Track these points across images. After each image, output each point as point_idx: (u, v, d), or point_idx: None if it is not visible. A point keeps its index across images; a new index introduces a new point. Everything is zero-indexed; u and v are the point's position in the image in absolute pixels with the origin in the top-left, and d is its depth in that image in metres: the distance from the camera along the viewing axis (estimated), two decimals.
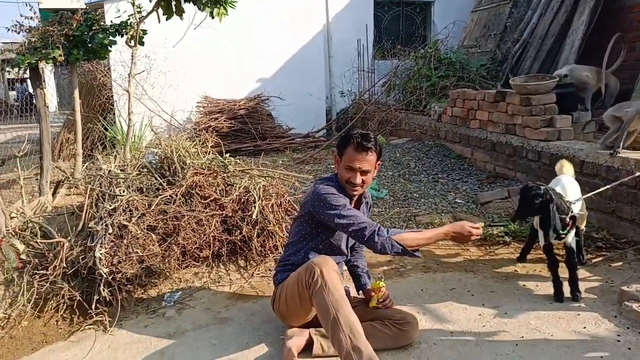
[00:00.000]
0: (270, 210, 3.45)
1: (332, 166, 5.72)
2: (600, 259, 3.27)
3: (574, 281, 2.76)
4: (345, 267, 2.65)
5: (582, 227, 3.18)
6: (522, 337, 2.41)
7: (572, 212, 2.69)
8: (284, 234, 3.42)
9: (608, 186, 3.20)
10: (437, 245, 3.61)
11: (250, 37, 8.01)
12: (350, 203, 2.37)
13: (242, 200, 3.49)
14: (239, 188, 3.51)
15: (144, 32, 5.18)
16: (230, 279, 3.21)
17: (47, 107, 4.97)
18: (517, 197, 2.76)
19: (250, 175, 3.78)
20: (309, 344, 2.31)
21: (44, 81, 5.06)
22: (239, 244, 3.38)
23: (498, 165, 4.98)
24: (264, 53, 8.14)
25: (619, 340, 2.34)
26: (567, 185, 2.91)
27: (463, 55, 7.05)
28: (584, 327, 2.47)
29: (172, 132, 7.29)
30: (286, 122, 7.78)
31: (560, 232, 2.67)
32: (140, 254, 2.98)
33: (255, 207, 3.37)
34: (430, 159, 5.58)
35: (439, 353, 2.31)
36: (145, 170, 3.84)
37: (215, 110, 7.51)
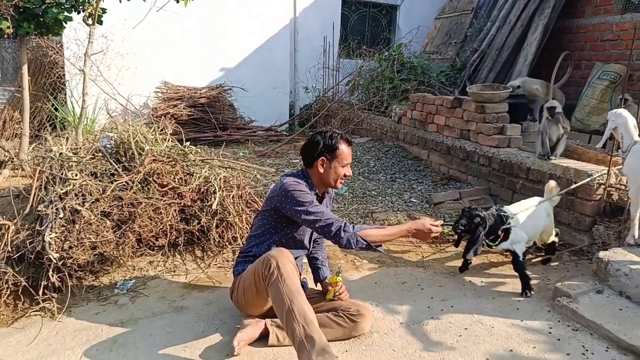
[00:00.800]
0: (230, 201, 3.46)
1: (294, 160, 5.75)
2: (539, 259, 3.49)
3: (523, 282, 2.97)
4: (305, 260, 2.71)
5: (554, 238, 3.39)
6: (466, 328, 2.56)
7: (508, 224, 2.93)
8: (243, 226, 3.44)
9: (557, 194, 3.43)
10: (392, 242, 3.73)
11: (215, 25, 7.90)
12: (318, 198, 2.46)
13: (202, 190, 3.48)
14: (199, 178, 3.50)
15: (103, 10, 5.02)
16: (187, 269, 3.20)
17: None
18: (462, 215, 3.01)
19: (210, 166, 3.76)
20: (265, 334, 2.36)
21: None
22: (197, 234, 3.37)
23: (452, 168, 5.18)
24: (229, 42, 8.06)
25: (550, 332, 2.53)
26: (520, 204, 3.16)
27: (425, 60, 7.25)
28: (521, 320, 2.65)
29: (128, 116, 7.10)
30: (248, 114, 7.74)
31: (491, 244, 2.97)
32: (93, 240, 2.93)
33: (215, 197, 3.37)
34: (389, 159, 5.72)
35: (388, 342, 2.42)
36: (100, 154, 3.74)
37: (174, 97, 7.36)
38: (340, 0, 9.22)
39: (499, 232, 2.95)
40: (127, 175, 3.33)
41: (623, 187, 3.51)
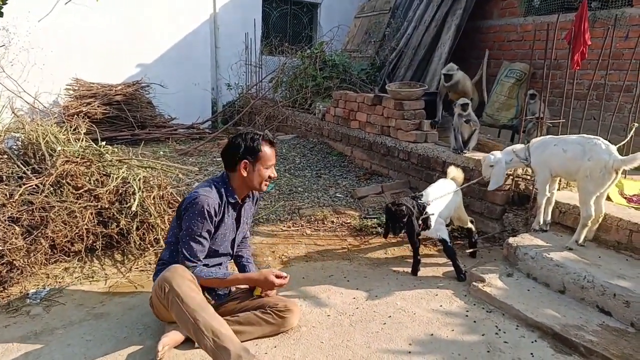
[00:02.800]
0: (151, 202, 3.35)
1: (217, 159, 5.65)
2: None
3: (456, 267, 3.15)
4: (230, 260, 2.68)
5: (468, 225, 3.55)
6: (390, 316, 2.68)
7: (425, 214, 3.09)
8: (165, 227, 3.34)
9: (468, 184, 3.67)
10: (319, 236, 3.81)
11: (130, 19, 7.55)
12: (238, 206, 2.46)
13: (120, 191, 3.34)
14: (117, 179, 3.35)
15: (3, 1, 4.63)
16: (106, 274, 3.05)
17: None
18: (385, 215, 3.13)
19: (129, 166, 3.61)
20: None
21: None
22: (116, 237, 3.23)
23: (374, 164, 5.37)
24: (145, 37, 7.73)
25: (467, 315, 2.72)
26: (433, 189, 3.31)
27: (346, 58, 7.41)
28: (440, 305, 2.82)
29: (36, 115, 6.59)
30: (168, 112, 7.49)
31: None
32: (0, 247, 2.71)
33: (134, 199, 3.25)
34: (314, 156, 5.81)
35: (316, 334, 2.47)
36: (5, 156, 3.48)
37: (87, 94, 6.95)
38: None
39: (419, 222, 3.08)
40: (37, 178, 3.12)
41: (529, 178, 3.83)
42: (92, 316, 2.59)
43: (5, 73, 6.47)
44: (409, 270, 3.25)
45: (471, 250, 3.57)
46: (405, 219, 3.00)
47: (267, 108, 7.31)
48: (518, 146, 3.40)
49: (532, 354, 2.36)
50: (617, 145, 3.13)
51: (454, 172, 3.57)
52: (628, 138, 3.66)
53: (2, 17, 4.68)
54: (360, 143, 5.59)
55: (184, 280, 2.16)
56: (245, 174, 2.39)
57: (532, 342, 2.46)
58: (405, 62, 7.08)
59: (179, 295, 2.10)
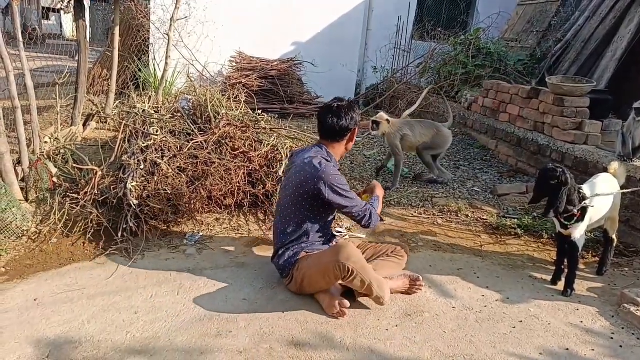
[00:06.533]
0: None
1: (356, 138, 5.76)
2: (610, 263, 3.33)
3: (570, 278, 2.83)
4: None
5: (613, 236, 3.13)
6: (521, 321, 2.53)
7: (584, 203, 2.74)
8: None
9: (625, 190, 3.24)
10: (450, 228, 3.72)
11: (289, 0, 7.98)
12: None
13: (269, 157, 3.61)
14: (268, 145, 3.63)
15: None
16: (249, 229, 3.36)
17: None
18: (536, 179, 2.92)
19: (278, 135, 3.88)
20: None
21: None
22: (261, 197, 3.51)
23: (521, 161, 5.01)
24: (303, 17, 8.10)
25: (612, 338, 2.45)
26: (598, 181, 2.96)
27: (502, 47, 6.97)
28: (581, 322, 2.57)
29: (203, 83, 7.38)
30: (315, 90, 7.81)
31: (566, 223, 2.77)
32: (169, 192, 3.14)
33: (281, 165, 3.49)
34: (455, 146, 5.60)
35: (439, 323, 2.44)
36: (179, 115, 3.96)
37: (247, 67, 7.54)
38: None
39: (576, 211, 2.74)
40: (202, 136, 3.51)
41: None
42: (235, 264, 2.88)
43: (183, 43, 7.32)
44: (548, 278, 3.01)
45: (600, 266, 3.16)
46: (556, 181, 2.67)
47: (410, 93, 7.22)
48: None
49: None
50: None
51: (617, 167, 3.13)
52: None
53: None
54: (507, 137, 5.25)
55: (358, 255, 2.40)
56: (351, 143, 2.67)
57: None
58: (571, 55, 6.41)
59: (359, 270, 2.33)
